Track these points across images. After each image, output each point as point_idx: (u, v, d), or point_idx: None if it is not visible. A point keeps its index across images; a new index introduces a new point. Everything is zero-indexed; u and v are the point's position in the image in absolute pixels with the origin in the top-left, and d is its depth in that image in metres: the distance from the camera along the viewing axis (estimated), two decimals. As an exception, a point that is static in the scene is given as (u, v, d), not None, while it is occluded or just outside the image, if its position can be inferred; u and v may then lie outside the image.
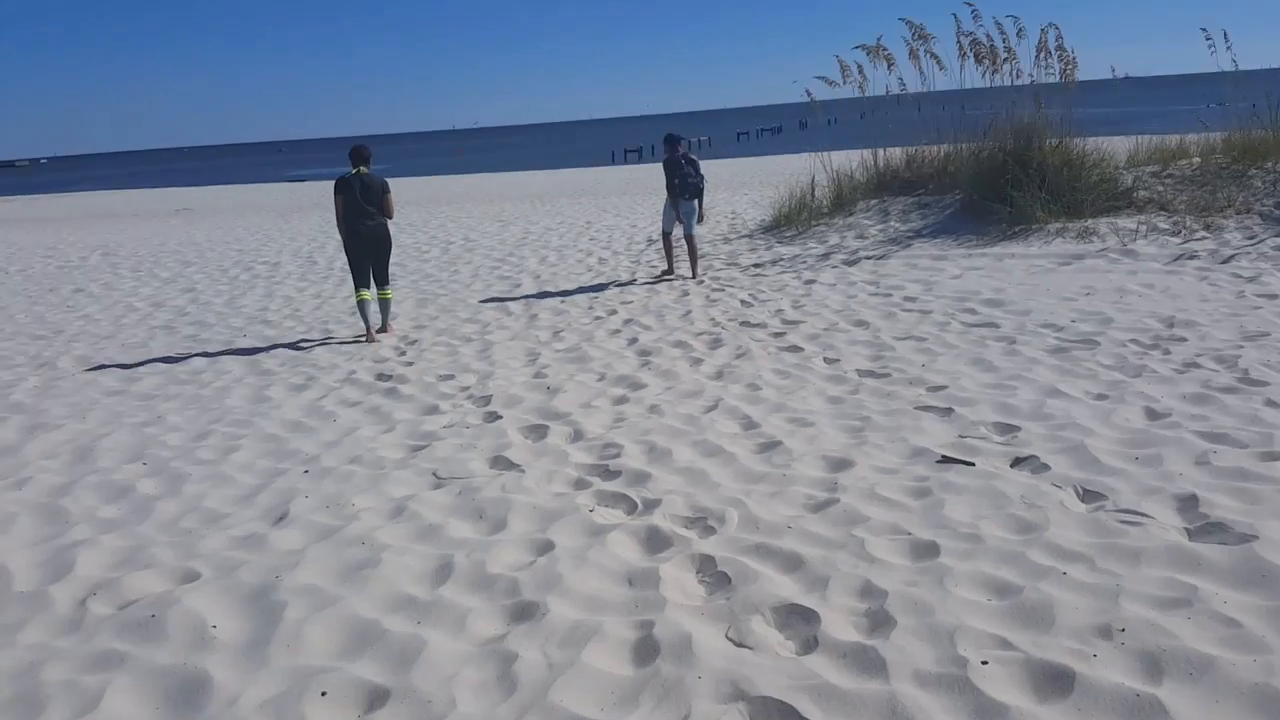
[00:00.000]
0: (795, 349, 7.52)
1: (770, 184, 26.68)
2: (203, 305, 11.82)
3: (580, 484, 4.85)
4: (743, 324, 8.57)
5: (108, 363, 8.87)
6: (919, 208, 13.15)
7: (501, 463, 5.27)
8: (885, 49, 13.37)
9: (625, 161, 66.62)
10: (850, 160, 15.05)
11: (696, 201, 11.35)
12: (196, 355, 8.97)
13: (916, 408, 5.79)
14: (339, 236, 9.42)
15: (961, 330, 7.68)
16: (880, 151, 14.76)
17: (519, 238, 16.43)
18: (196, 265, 15.72)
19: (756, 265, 11.50)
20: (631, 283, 11.27)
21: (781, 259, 11.76)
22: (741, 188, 25.85)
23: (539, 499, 4.60)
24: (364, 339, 9.16)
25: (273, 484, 5.14)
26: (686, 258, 11.49)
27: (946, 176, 13.61)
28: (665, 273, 11.64)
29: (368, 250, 9.17)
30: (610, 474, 4.95)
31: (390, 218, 9.29)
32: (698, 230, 11.51)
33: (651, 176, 37.21)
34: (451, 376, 7.47)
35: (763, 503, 4.39)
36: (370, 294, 9.23)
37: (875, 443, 5.18)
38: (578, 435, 5.69)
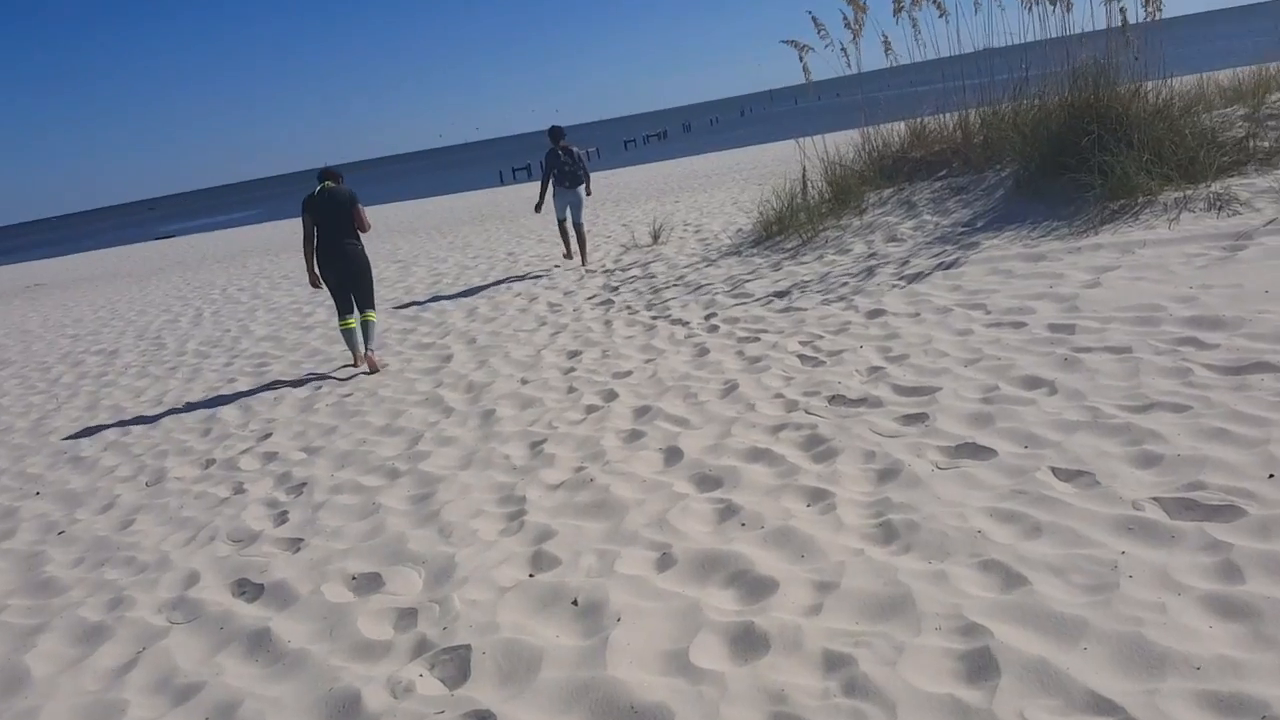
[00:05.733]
0: (979, 451, 4.28)
1: (693, 188, 23.62)
2: (-5, 435, 8.10)
3: None
4: (834, 399, 5.33)
5: None
6: (953, 193, 10.11)
7: None
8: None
9: (515, 180, 63.23)
10: (813, 146, 11.92)
11: (581, 188, 11.90)
12: (-61, 552, 5.36)
13: None
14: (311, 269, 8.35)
15: (1232, 384, 4.54)
16: (872, 130, 11.73)
17: (429, 283, 12.93)
18: (16, 364, 11.86)
19: (778, 295, 8.26)
20: (608, 334, 7.97)
21: (804, 282, 8.56)
22: (667, 195, 22.72)
23: None
24: (353, 366, 8.46)
25: None
26: (580, 259, 12.16)
27: (975, 150, 10.63)
28: (565, 256, 12.39)
29: (342, 274, 8.22)
30: None
31: (364, 231, 8.32)
32: (586, 217, 12.46)
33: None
34: (375, 580, 4.04)
35: None
36: (355, 319, 8.35)
37: None
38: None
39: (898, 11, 10.85)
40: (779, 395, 5.57)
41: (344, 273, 8.20)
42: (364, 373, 8.21)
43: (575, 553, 3.95)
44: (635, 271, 10.77)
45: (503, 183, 61.73)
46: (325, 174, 8.31)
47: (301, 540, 4.65)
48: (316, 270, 8.29)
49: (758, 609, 3.23)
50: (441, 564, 4.07)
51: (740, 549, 3.68)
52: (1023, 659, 2.69)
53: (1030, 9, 9.62)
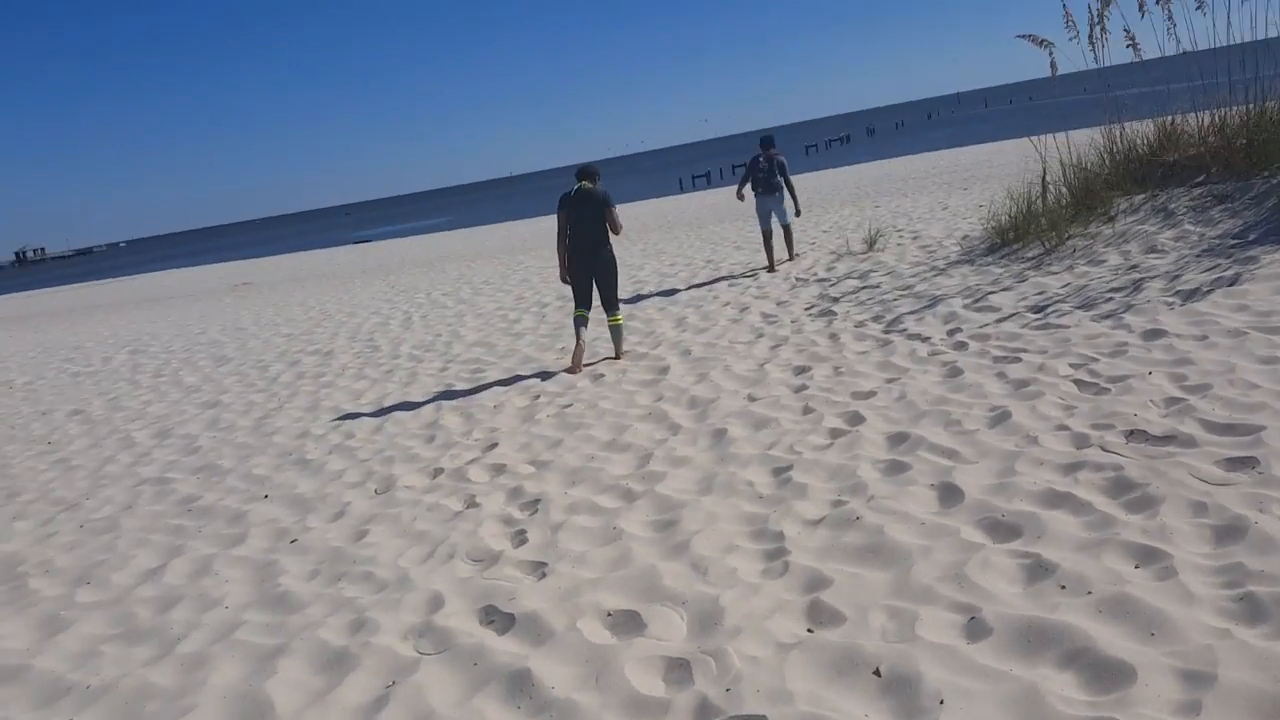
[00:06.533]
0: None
1: (890, 193, 22.72)
2: (222, 433, 8.28)
3: None
4: (1133, 435, 4.66)
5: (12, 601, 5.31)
6: (1215, 201, 9.08)
7: None
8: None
9: (695, 188, 63.21)
10: (1044, 146, 10.95)
11: (778, 194, 12.08)
12: (179, 553, 5.37)
13: None
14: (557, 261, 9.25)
15: None
16: (1118, 129, 10.73)
17: (630, 291, 12.69)
18: (233, 361, 12.30)
19: (1034, 310, 7.53)
20: (837, 349, 7.44)
21: (1056, 296, 7.79)
22: (864, 199, 21.96)
23: None
24: (570, 372, 8.17)
25: None
26: (786, 255, 12.77)
27: (1236, 153, 9.54)
28: (765, 269, 12.16)
29: (587, 273, 8.45)
30: None
31: (616, 233, 8.39)
32: (792, 220, 12.55)
33: (726, 200, 33.35)
34: (634, 619, 3.68)
35: None
36: (588, 312, 8.51)
37: None
38: None
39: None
40: (1063, 427, 4.93)
41: (589, 272, 8.43)
42: (609, 360, 8.56)
43: (860, 608, 3.48)
44: (853, 281, 10.19)
45: (682, 190, 61.85)
46: (583, 173, 8.45)
47: (545, 565, 4.35)
48: (567, 265, 8.50)
49: (1116, 701, 2.68)
50: (705, 607, 3.68)
51: (1070, 619, 3.12)
52: None
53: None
